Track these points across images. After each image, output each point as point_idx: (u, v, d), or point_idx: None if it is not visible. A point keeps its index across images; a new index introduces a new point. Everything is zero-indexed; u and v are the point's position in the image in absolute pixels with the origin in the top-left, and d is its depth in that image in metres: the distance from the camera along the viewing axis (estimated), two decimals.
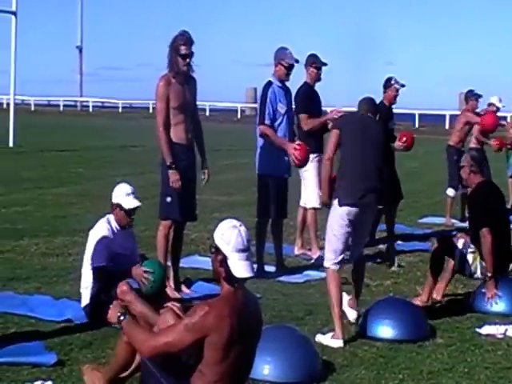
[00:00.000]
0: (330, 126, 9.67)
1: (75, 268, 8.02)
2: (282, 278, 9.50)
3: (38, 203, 15.25)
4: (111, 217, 7.86)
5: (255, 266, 9.82)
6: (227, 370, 4.70)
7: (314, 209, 10.97)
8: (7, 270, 9.63)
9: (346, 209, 7.51)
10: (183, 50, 8.69)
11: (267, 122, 9.72)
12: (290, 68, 9.89)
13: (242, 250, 4.68)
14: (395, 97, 11.51)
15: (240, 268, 4.66)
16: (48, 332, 7.26)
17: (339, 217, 7.56)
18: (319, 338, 7.65)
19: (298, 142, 9.83)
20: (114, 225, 7.82)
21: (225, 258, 4.67)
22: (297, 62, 9.98)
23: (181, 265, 9.23)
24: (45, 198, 16.05)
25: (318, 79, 11.00)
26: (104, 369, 5.83)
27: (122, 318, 5.01)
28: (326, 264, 7.65)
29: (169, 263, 8.87)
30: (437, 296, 8.85)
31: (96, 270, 7.60)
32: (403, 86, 11.60)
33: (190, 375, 4.75)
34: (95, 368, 5.91)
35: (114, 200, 7.85)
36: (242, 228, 4.73)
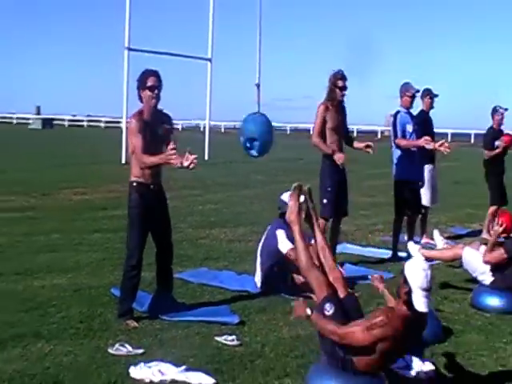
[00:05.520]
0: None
1: (253, 251, 8.14)
2: None
3: (226, 202, 15.57)
4: (281, 220, 7.88)
5: (391, 252, 9.79)
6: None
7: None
8: (203, 251, 9.86)
9: None
10: (341, 83, 8.70)
11: (399, 136, 9.71)
12: (413, 97, 9.85)
13: (426, 290, 4.51)
14: (501, 119, 11.66)
15: (421, 303, 4.50)
16: (233, 299, 7.41)
17: None
18: (410, 244, 8.32)
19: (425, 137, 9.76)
20: (285, 227, 7.82)
21: (410, 290, 4.52)
22: (418, 91, 9.95)
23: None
24: (232, 198, 16.36)
25: (432, 107, 10.96)
26: None
27: (309, 313, 4.89)
28: None
29: None
30: None
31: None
32: (506, 109, 11.57)
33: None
34: None
35: (284, 209, 7.87)
36: (429, 271, 4.56)
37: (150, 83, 6.49)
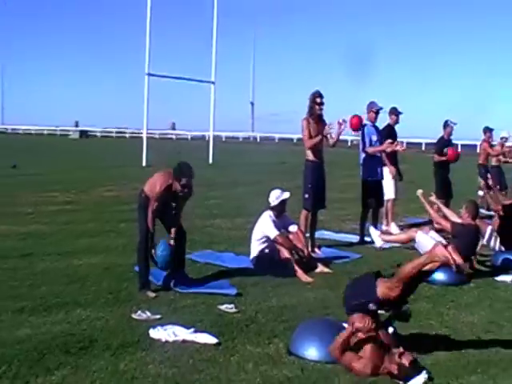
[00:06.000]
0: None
1: (248, 237, 8.16)
2: (375, 245, 9.37)
3: (226, 197, 15.53)
4: (270, 212, 7.93)
5: (359, 237, 9.80)
6: None
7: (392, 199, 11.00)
8: (208, 237, 9.87)
9: None
10: (318, 100, 8.77)
11: (367, 145, 9.78)
12: (377, 113, 9.92)
13: None
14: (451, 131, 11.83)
15: None
16: (232, 275, 7.41)
17: None
18: (372, 229, 8.42)
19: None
20: (273, 217, 7.90)
21: None
22: (381, 108, 10.02)
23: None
24: (231, 195, 16.29)
25: (397, 122, 10.97)
26: None
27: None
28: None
29: (307, 234, 8.94)
30: None
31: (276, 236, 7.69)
32: (456, 123, 11.75)
33: None
34: None
35: (274, 203, 7.90)
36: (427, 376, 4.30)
37: (184, 182, 6.43)
